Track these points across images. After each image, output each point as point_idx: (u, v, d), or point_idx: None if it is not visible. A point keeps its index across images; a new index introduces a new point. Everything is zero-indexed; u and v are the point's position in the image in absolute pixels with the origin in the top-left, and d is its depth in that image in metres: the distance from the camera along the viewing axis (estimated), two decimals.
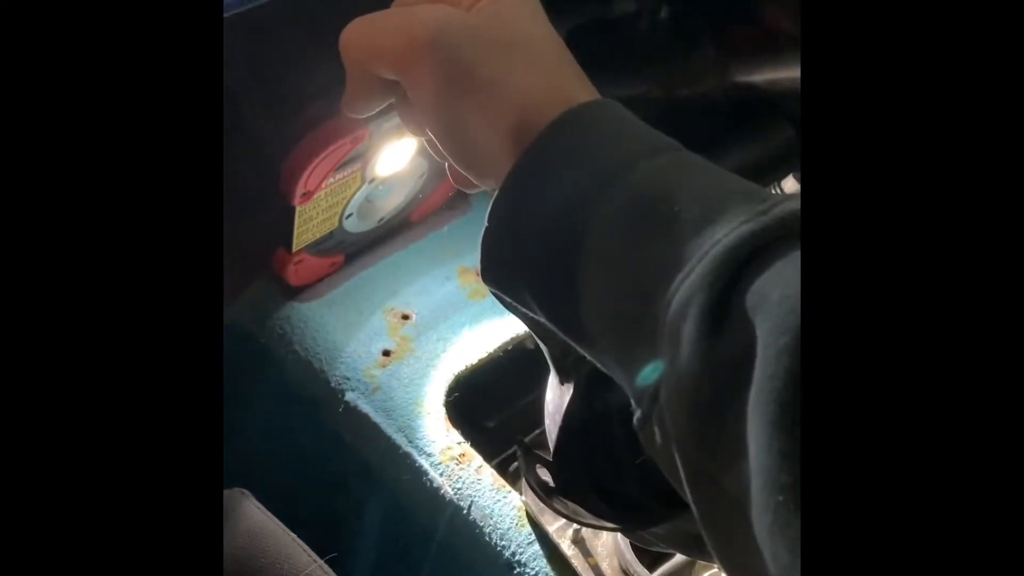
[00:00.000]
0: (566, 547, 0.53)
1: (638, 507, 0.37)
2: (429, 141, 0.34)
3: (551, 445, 0.39)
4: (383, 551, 0.62)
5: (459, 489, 0.57)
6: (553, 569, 0.53)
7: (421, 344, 0.64)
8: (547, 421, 0.41)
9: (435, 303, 0.66)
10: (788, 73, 0.64)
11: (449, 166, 0.35)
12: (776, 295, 0.24)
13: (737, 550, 0.25)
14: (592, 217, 0.28)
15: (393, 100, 0.35)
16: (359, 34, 0.33)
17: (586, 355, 0.30)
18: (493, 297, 0.43)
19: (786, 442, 0.22)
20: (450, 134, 0.32)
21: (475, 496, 0.56)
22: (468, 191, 0.38)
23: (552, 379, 0.42)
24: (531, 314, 0.32)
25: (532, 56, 0.31)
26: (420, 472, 0.58)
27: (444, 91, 0.31)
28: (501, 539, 0.55)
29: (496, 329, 0.64)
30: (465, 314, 0.66)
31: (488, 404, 0.65)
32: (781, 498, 0.22)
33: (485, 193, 0.84)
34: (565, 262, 0.29)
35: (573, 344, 0.30)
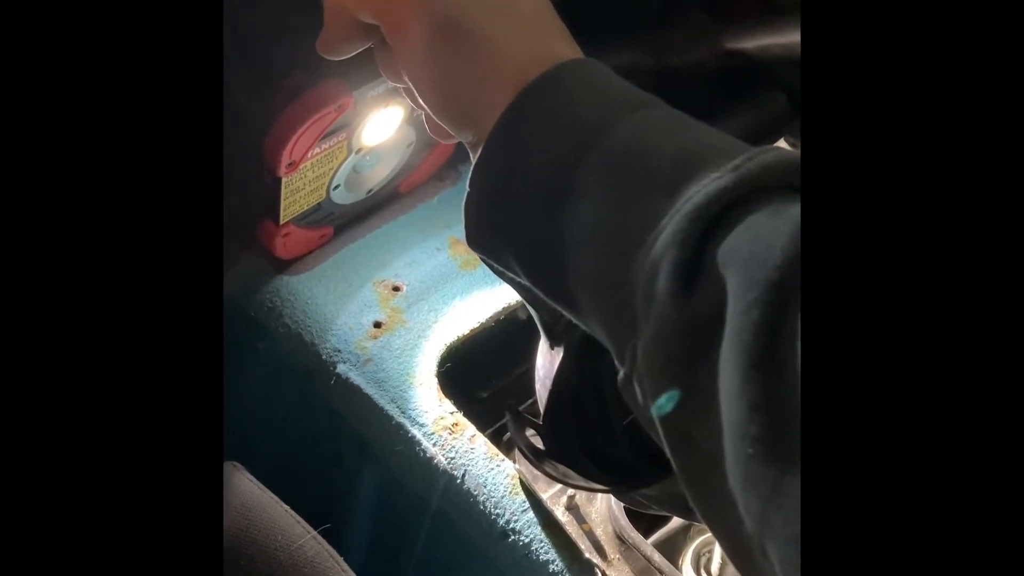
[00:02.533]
0: (560, 514, 0.54)
1: (629, 469, 0.37)
2: (407, 89, 0.34)
3: (541, 409, 0.39)
4: (377, 522, 0.63)
5: (452, 459, 0.57)
6: (547, 536, 0.54)
7: (412, 315, 0.64)
8: (537, 386, 0.41)
9: (426, 274, 0.66)
10: (780, 39, 0.64)
11: (426, 116, 0.35)
12: (746, 250, 0.24)
13: (713, 503, 0.25)
14: (572, 178, 0.28)
15: (371, 45, 0.35)
16: None
17: (571, 318, 0.30)
18: (485, 267, 0.43)
19: (756, 394, 0.23)
20: (430, 84, 0.31)
21: (469, 465, 0.57)
22: (444, 141, 0.37)
23: (542, 344, 0.42)
24: (518, 279, 0.32)
25: (518, 12, 0.31)
26: (413, 442, 0.58)
27: (428, 41, 0.30)
28: (495, 507, 0.55)
29: (488, 299, 0.64)
30: (456, 285, 0.65)
31: (481, 374, 0.65)
32: (751, 451, 0.22)
33: None
34: (547, 225, 0.29)
35: (557, 307, 0.30)
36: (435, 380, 0.60)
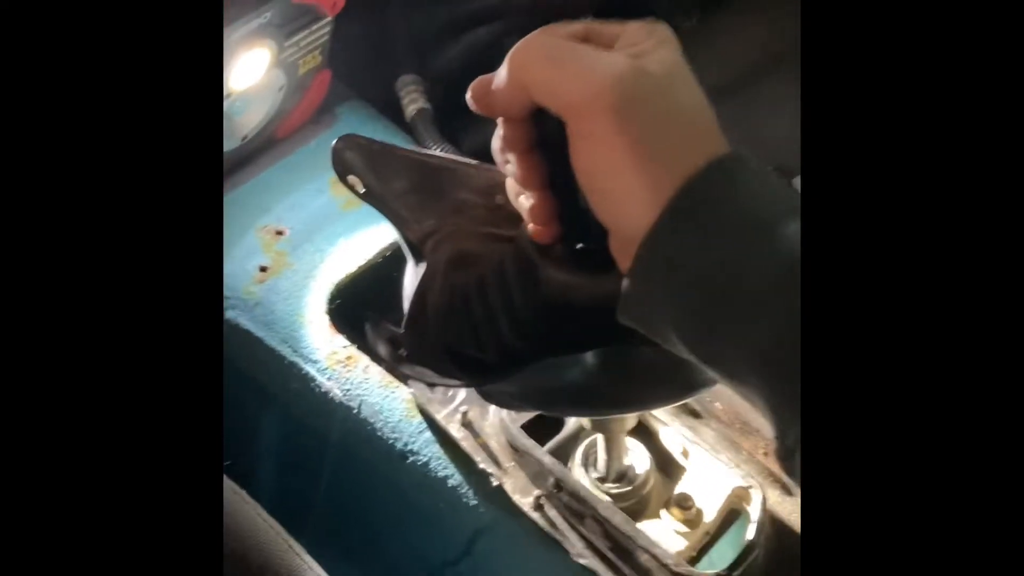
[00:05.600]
0: (455, 431, 0.56)
1: (487, 367, 0.39)
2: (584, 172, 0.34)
3: (404, 319, 0.41)
4: (281, 461, 0.63)
5: (348, 390, 0.58)
6: (445, 453, 0.56)
7: (298, 257, 0.64)
8: (405, 305, 0.42)
9: (309, 217, 0.66)
10: None
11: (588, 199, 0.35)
12: None
13: None
14: (746, 268, 0.30)
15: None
16: (537, 64, 0.34)
17: (729, 387, 0.32)
18: (368, 206, 0.44)
19: None
20: (601, 179, 0.33)
21: (364, 395, 0.58)
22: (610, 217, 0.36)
23: (409, 264, 0.43)
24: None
25: (691, 122, 0.33)
26: (307, 379, 0.59)
27: (610, 145, 0.32)
28: (393, 432, 0.57)
29: (372, 236, 0.65)
30: (340, 225, 0.66)
31: (372, 307, 0.65)
32: None
33: (351, 105, 0.82)
34: (716, 306, 0.31)
35: (716, 374, 0.32)
36: (325, 317, 0.61)
